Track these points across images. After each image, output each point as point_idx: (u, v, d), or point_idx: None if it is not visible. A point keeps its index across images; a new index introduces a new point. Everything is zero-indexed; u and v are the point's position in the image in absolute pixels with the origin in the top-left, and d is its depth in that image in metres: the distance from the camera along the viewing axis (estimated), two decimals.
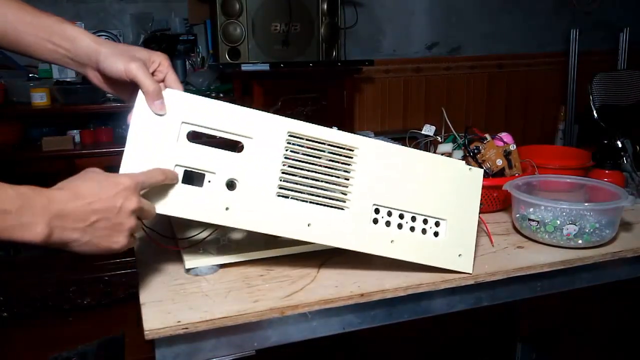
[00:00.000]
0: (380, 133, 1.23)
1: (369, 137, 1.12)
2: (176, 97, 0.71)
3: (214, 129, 0.72)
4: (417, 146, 1.08)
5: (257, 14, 2.32)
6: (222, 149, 0.72)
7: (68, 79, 2.33)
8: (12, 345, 1.99)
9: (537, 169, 1.11)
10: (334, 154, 0.76)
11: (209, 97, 2.70)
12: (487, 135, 1.10)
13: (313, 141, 0.75)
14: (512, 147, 1.10)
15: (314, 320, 0.74)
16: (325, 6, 2.43)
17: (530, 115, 3.41)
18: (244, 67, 2.23)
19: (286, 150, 0.74)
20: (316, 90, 2.38)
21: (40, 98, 2.17)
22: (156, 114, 0.70)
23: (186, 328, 0.66)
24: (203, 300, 0.71)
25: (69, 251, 0.60)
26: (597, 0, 3.43)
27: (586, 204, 0.91)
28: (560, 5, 3.37)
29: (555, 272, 0.85)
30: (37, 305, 2.14)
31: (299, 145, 0.74)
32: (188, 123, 0.71)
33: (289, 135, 0.74)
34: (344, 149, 0.76)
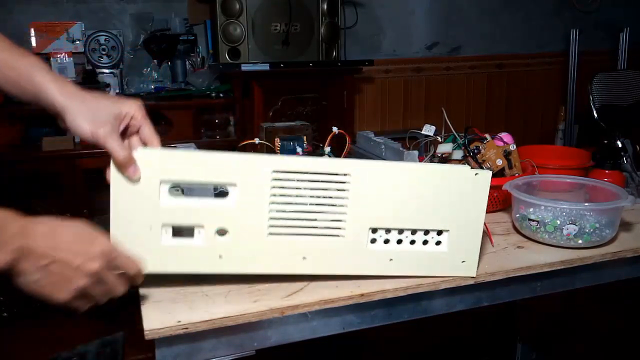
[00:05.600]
0: (380, 133, 1.23)
1: (369, 137, 1.12)
2: (150, 156, 0.67)
3: (194, 182, 0.70)
4: (417, 146, 1.08)
5: (257, 14, 2.32)
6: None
7: (68, 79, 2.33)
8: (12, 345, 1.99)
9: (537, 169, 1.11)
10: (324, 182, 0.71)
11: (209, 97, 2.66)
12: (487, 135, 1.10)
13: (301, 173, 0.71)
14: (512, 147, 1.10)
15: (314, 320, 0.74)
16: (325, 6, 2.43)
17: (530, 115, 3.41)
18: (244, 67, 2.23)
19: (273, 188, 0.70)
20: (316, 90, 2.38)
21: None
22: (131, 180, 0.67)
23: (186, 328, 0.66)
24: (203, 300, 0.71)
25: (13, 279, 0.60)
26: (597, 0, 3.43)
27: (586, 204, 0.91)
28: (560, 5, 3.37)
29: (555, 272, 0.85)
30: (37, 305, 2.14)
31: (287, 180, 0.70)
32: (167, 181, 0.68)
33: (274, 172, 0.69)
34: (335, 175, 0.71)
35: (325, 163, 0.72)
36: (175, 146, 1.04)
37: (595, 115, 2.67)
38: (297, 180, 0.71)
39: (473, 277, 0.79)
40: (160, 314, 0.67)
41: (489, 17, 3.23)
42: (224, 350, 0.70)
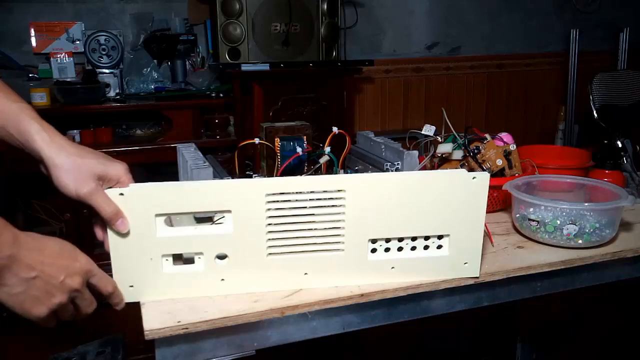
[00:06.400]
0: (380, 133, 1.22)
1: (369, 137, 1.12)
2: (142, 190, 0.67)
3: (188, 212, 0.71)
4: (417, 146, 1.08)
5: (257, 14, 2.32)
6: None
7: (68, 79, 2.33)
8: (12, 345, 1.99)
9: (537, 169, 1.11)
10: (320, 199, 0.71)
11: (209, 97, 2.65)
12: (487, 135, 1.10)
13: (295, 193, 0.71)
14: (512, 147, 1.10)
15: (314, 320, 0.74)
16: (325, 6, 2.43)
17: (530, 116, 3.41)
18: (244, 67, 2.23)
19: (268, 210, 0.70)
20: (316, 90, 2.38)
21: (40, 98, 2.16)
22: (121, 233, 0.67)
23: (186, 328, 0.66)
24: (203, 300, 0.71)
25: None
26: (597, 0, 3.43)
27: (586, 204, 0.91)
28: (560, 5, 3.37)
29: (555, 272, 0.85)
30: None
31: (281, 201, 0.70)
32: (161, 214, 0.69)
33: (268, 195, 0.69)
34: (330, 192, 0.71)
35: (318, 181, 0.71)
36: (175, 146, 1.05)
37: (595, 115, 2.68)
38: (292, 200, 0.71)
39: (474, 278, 0.79)
40: (160, 314, 0.68)
41: (489, 17, 3.23)
42: (224, 350, 0.70)
